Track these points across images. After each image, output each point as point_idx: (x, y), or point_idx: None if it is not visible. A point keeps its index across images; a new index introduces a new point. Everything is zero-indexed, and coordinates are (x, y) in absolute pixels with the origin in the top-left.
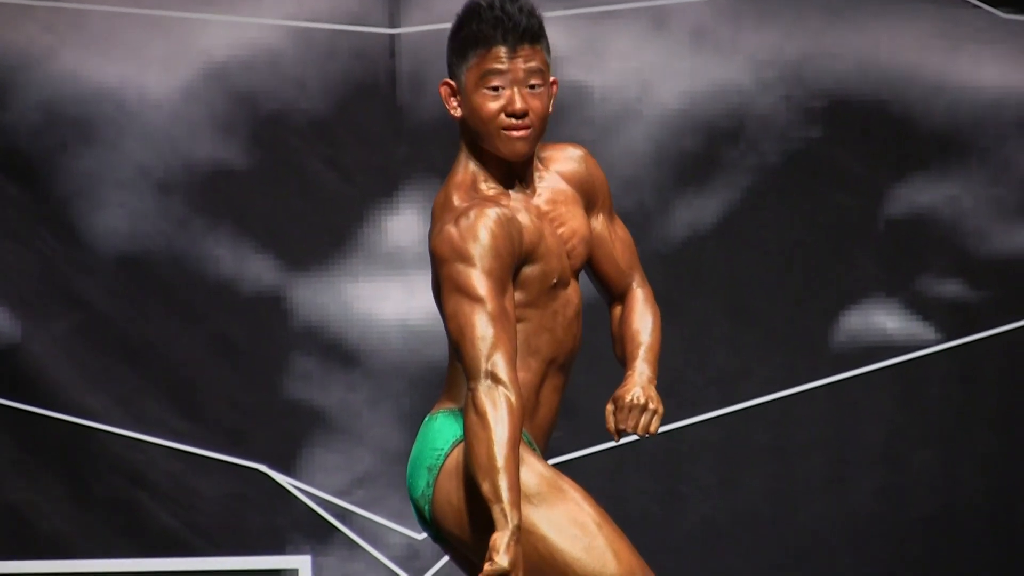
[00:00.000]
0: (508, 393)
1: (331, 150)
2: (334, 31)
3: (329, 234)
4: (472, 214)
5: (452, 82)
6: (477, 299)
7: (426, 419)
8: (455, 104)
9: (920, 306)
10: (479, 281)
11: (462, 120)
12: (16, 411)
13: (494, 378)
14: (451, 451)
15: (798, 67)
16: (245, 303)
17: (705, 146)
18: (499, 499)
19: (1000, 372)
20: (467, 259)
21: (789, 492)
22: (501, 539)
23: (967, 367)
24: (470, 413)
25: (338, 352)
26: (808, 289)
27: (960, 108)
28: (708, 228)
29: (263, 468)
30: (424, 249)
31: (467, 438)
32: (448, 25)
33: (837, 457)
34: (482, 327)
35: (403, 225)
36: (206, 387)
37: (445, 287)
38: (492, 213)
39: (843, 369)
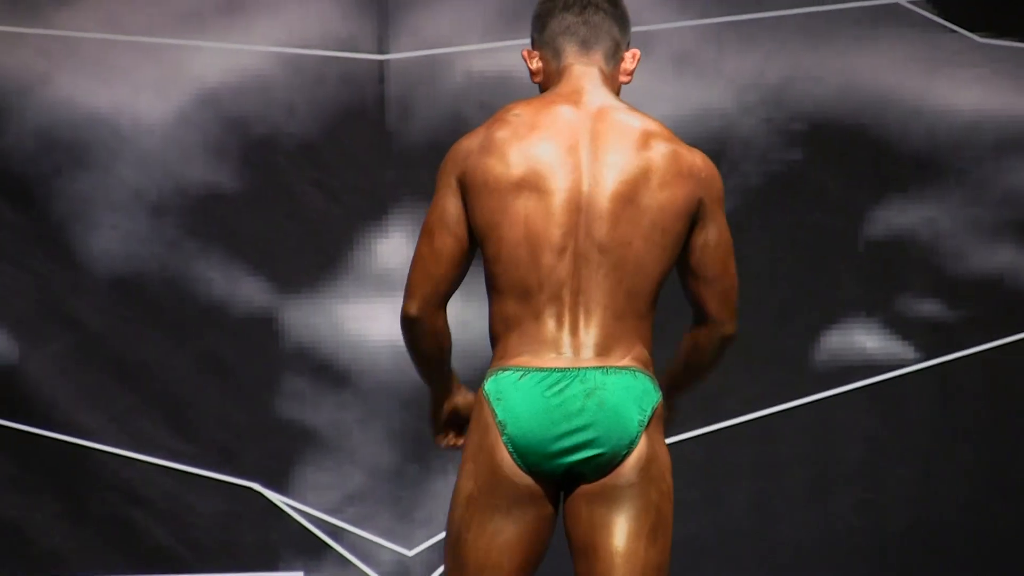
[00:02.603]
0: None
1: (321, 174)
2: (324, 57)
3: (319, 256)
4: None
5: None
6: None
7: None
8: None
9: (899, 325)
10: None
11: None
12: (13, 431)
13: None
14: (653, 416)
15: (779, 91)
16: (237, 324)
17: None
18: None
19: (978, 390)
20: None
21: (771, 508)
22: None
23: (946, 385)
24: None
25: (329, 372)
26: (789, 309)
27: (938, 131)
28: None
29: (255, 486)
30: None
31: None
32: (437, 51)
33: (818, 474)
34: None
35: (392, 247)
36: (199, 407)
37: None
38: None
39: (824, 387)
